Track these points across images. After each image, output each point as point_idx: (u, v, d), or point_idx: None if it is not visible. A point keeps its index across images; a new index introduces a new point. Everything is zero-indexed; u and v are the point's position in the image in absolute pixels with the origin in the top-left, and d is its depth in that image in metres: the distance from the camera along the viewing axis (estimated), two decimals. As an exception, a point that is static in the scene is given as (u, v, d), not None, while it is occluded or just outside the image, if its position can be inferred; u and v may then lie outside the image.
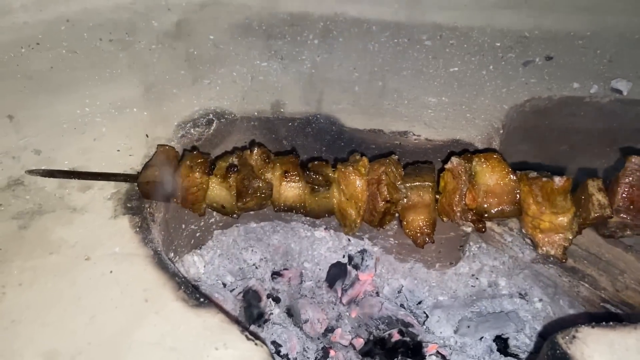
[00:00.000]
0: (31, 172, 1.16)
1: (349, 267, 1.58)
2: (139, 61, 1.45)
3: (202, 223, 1.52)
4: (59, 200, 1.13)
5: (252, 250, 1.59)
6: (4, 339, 0.90)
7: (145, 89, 1.36)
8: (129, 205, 1.14)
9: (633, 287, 1.48)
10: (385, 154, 1.33)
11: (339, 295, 1.56)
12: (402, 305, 1.59)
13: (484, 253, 1.71)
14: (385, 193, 1.07)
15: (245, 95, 1.39)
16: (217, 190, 1.11)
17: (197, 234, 1.52)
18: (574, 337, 0.95)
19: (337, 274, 1.59)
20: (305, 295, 1.57)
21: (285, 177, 1.10)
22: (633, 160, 1.09)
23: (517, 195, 1.10)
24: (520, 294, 1.65)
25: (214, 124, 1.33)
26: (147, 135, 1.25)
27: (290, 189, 1.10)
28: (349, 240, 1.64)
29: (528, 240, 1.62)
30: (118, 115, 1.33)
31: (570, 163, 1.59)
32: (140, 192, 1.13)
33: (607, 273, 1.51)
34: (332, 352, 1.45)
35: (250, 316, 1.42)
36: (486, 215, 1.10)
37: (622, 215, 1.09)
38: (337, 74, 1.49)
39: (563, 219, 1.07)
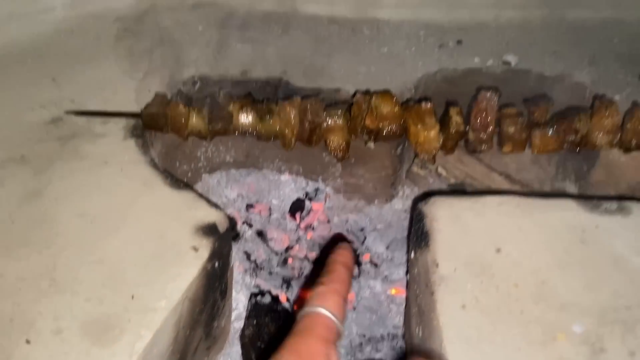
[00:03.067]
0: (68, 112, 1.68)
1: (307, 201, 2.05)
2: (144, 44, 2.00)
3: (193, 166, 2.01)
4: (87, 129, 1.64)
5: (231, 188, 2.07)
6: (49, 207, 1.39)
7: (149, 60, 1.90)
8: (135, 132, 1.64)
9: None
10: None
11: (298, 222, 2.03)
12: (347, 230, 2.04)
13: (414, 193, 2.16)
14: (309, 117, 1.56)
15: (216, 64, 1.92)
16: (195, 120, 1.61)
17: (189, 175, 2.01)
18: (427, 202, 1.40)
19: (297, 207, 2.05)
20: (272, 221, 2.04)
21: (242, 110, 1.59)
22: (482, 92, 1.55)
23: (402, 119, 1.57)
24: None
25: (197, 84, 1.85)
26: (149, 90, 1.76)
27: (245, 118, 1.60)
28: (307, 183, 2.11)
29: (444, 181, 2.07)
30: (129, 80, 1.85)
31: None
32: (143, 124, 1.64)
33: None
34: (290, 260, 1.91)
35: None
36: (380, 133, 1.58)
37: (474, 132, 1.55)
38: (296, 52, 2.00)
39: (431, 132, 1.54)
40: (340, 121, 1.57)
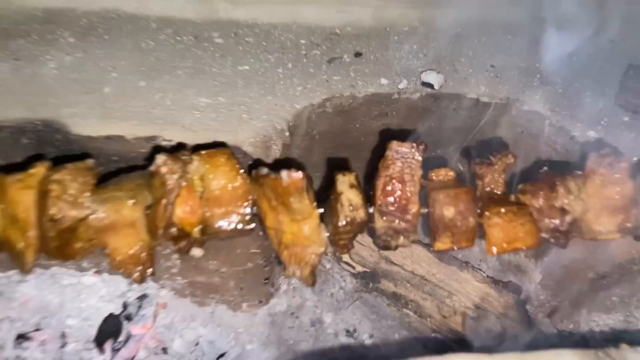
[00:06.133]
0: None
1: (122, 319, 1.24)
2: None
3: None
4: None
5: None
6: None
7: None
8: None
9: (462, 312, 1.24)
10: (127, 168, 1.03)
11: (109, 358, 1.21)
12: (195, 362, 1.26)
13: (306, 286, 1.43)
14: (53, 208, 0.76)
15: None
16: None
17: None
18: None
19: (108, 329, 1.24)
20: (67, 363, 1.21)
21: None
22: (393, 146, 0.85)
23: (250, 201, 0.83)
24: (347, 330, 1.37)
25: None
26: None
27: None
28: (130, 284, 1.31)
29: (345, 265, 1.36)
30: None
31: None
32: None
33: (432, 296, 1.26)
34: None
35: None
36: (207, 230, 0.82)
37: (386, 217, 0.84)
38: (87, 75, 1.21)
39: (306, 228, 0.81)
40: (126, 212, 0.79)
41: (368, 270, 1.31)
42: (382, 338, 1.35)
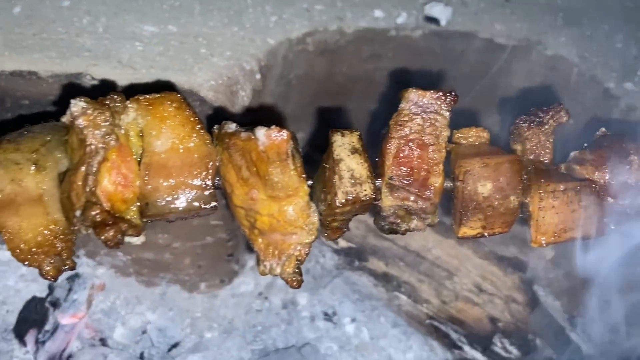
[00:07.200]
0: None
1: (47, 305, 0.99)
2: None
3: None
4: None
5: None
6: None
7: None
8: None
9: (465, 296, 1.04)
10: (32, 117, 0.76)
11: (33, 352, 0.97)
12: (141, 356, 1.03)
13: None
14: None
15: None
16: None
17: None
18: None
19: (30, 317, 0.99)
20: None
21: None
22: (411, 96, 0.61)
23: (211, 170, 0.58)
24: (326, 314, 1.17)
25: None
26: None
27: None
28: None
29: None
30: None
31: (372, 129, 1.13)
32: None
33: (430, 277, 1.06)
34: None
35: None
36: (148, 211, 0.57)
37: (397, 193, 0.61)
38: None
39: (290, 209, 0.57)
40: (29, 183, 0.53)
41: (354, 245, 1.10)
42: (366, 322, 1.16)
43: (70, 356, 0.99)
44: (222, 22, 1.00)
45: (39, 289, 1.04)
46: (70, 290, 1.01)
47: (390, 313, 1.19)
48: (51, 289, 1.02)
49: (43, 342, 0.98)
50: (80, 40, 0.85)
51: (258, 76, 0.93)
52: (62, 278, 1.06)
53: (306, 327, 1.16)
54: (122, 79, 0.80)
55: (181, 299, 1.12)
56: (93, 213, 0.51)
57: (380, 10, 1.11)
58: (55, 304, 0.99)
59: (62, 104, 0.80)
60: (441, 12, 1.09)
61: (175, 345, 1.08)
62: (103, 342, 1.02)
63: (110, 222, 0.52)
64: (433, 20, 1.09)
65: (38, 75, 0.78)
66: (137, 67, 0.83)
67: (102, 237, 0.52)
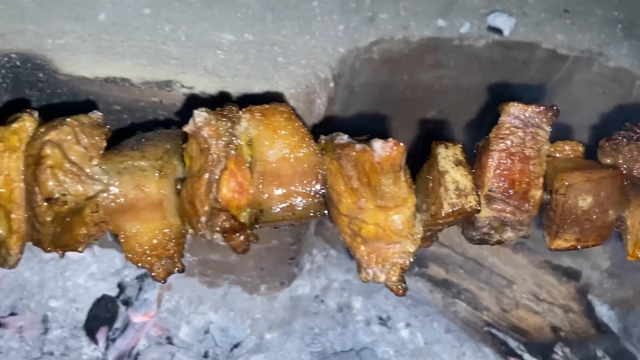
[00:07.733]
0: None
1: (119, 303, 1.02)
2: None
3: None
4: None
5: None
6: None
7: None
8: None
9: (525, 304, 1.06)
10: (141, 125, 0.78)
11: (103, 348, 1.00)
12: (206, 355, 1.05)
13: (332, 264, 1.23)
14: (49, 184, 0.52)
15: None
16: None
17: None
18: None
19: (101, 314, 1.02)
20: (52, 353, 0.99)
21: None
22: (512, 110, 0.62)
23: (320, 178, 0.60)
24: (380, 318, 1.18)
25: None
26: None
27: None
28: (123, 264, 1.07)
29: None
30: None
31: (438, 136, 1.14)
32: None
33: (490, 285, 1.07)
34: None
35: None
36: (263, 218, 0.59)
37: (495, 204, 0.63)
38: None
39: (397, 218, 0.59)
40: (152, 188, 0.56)
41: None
42: (420, 327, 1.18)
43: (138, 354, 1.02)
44: (293, 30, 1.02)
45: (108, 287, 1.07)
46: (140, 289, 1.03)
47: (443, 319, 1.21)
48: (122, 287, 1.05)
49: (113, 340, 1.01)
50: (166, 48, 0.88)
51: (332, 84, 0.95)
52: (132, 277, 1.09)
53: (361, 330, 1.18)
54: (210, 88, 0.82)
55: (241, 300, 1.14)
56: (222, 219, 0.53)
57: (444, 19, 1.12)
58: (127, 303, 1.02)
59: (151, 110, 0.83)
60: (505, 23, 1.11)
61: (236, 346, 1.10)
62: (169, 340, 1.05)
63: (239, 229, 0.54)
64: (496, 29, 1.11)
65: (131, 82, 0.81)
66: (222, 75, 0.85)
67: (232, 243, 0.54)
